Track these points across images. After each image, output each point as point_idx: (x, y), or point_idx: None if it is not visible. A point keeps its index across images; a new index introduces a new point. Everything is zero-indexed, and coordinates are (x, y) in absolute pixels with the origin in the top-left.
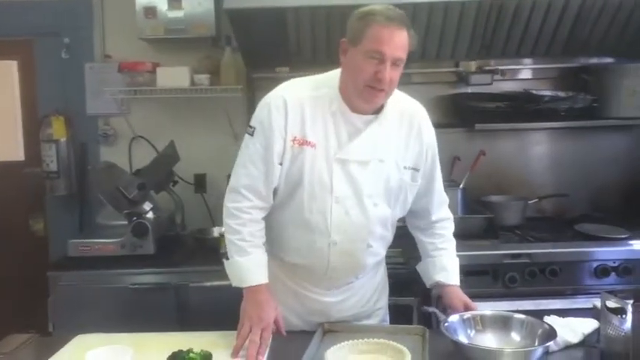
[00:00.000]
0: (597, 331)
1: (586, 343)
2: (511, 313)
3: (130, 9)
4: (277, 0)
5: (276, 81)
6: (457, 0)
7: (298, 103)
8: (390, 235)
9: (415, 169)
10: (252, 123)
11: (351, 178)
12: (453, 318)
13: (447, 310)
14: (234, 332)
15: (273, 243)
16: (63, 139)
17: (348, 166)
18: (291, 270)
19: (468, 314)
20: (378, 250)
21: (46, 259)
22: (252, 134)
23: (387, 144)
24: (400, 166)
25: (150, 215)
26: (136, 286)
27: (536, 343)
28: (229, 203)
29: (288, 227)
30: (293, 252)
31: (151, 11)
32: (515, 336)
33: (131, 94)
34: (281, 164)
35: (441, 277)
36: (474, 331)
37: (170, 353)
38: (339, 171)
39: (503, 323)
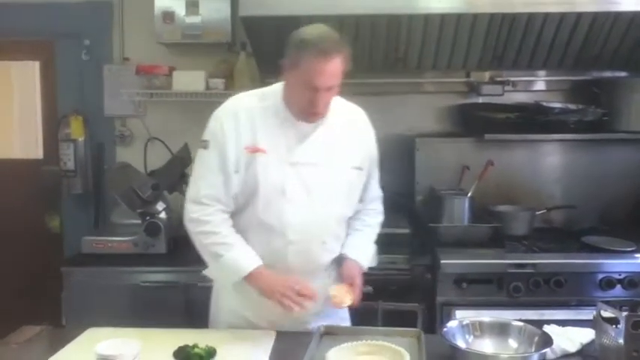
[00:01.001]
0: (594, 341)
1: (583, 352)
2: (509, 320)
3: (149, 13)
4: (290, 9)
5: None
6: (469, 12)
7: (248, 113)
8: (343, 232)
9: (360, 169)
10: (205, 137)
11: (303, 180)
12: (452, 324)
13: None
14: (239, 330)
15: None
16: (81, 139)
17: (299, 169)
18: None
19: (467, 320)
20: (333, 246)
21: (61, 255)
22: (206, 147)
23: (333, 146)
24: (347, 166)
25: (163, 215)
26: (147, 283)
27: (533, 350)
28: (193, 214)
29: (247, 231)
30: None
31: (169, 16)
32: (513, 342)
33: (147, 97)
34: (237, 172)
35: (346, 250)
36: (472, 337)
37: (176, 348)
38: (291, 174)
39: (501, 330)
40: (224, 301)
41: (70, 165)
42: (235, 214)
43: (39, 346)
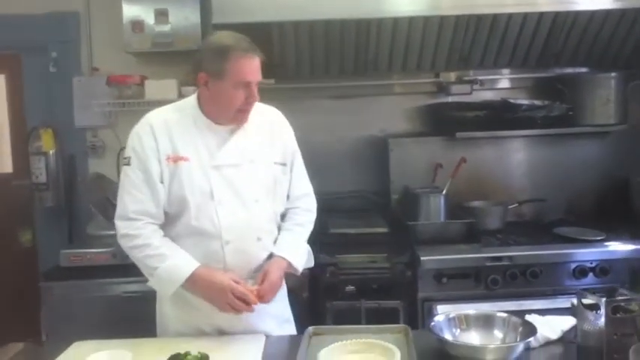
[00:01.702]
0: (575, 327)
1: (564, 339)
2: (494, 312)
3: (117, 23)
4: (263, 15)
5: (262, 92)
6: (436, 15)
7: (164, 125)
8: (275, 228)
9: (283, 164)
10: (127, 154)
11: (228, 181)
12: (439, 318)
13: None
14: (228, 336)
15: None
16: (52, 152)
17: (223, 171)
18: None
19: (453, 314)
20: (267, 243)
21: (35, 270)
22: (128, 163)
23: (253, 146)
24: (270, 162)
25: None
26: (128, 294)
27: (518, 340)
28: (123, 230)
29: (182, 238)
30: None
31: (138, 25)
32: (498, 333)
33: (119, 107)
34: (162, 183)
35: (274, 249)
36: (458, 330)
37: (167, 357)
38: (216, 177)
39: (486, 322)
40: (168, 309)
41: (42, 178)
42: (168, 224)
43: None
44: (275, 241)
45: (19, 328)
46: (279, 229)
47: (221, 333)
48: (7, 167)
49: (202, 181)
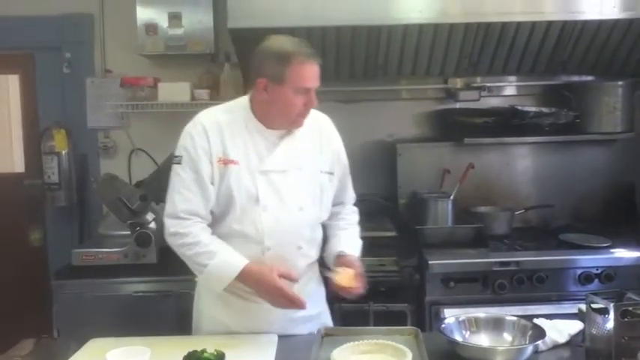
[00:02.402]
0: (582, 331)
1: (572, 342)
2: (503, 315)
3: (131, 25)
4: (276, 21)
5: None
6: (446, 22)
7: (216, 127)
8: (318, 236)
9: (331, 173)
10: (178, 152)
11: (275, 187)
12: (450, 320)
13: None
14: (242, 335)
15: None
16: (64, 152)
17: (270, 177)
18: None
19: (463, 316)
20: (309, 251)
21: (45, 268)
22: (179, 162)
23: (302, 153)
24: (317, 170)
25: (152, 225)
26: (139, 294)
27: (527, 342)
28: (172, 228)
29: (225, 240)
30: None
31: (151, 28)
32: (508, 336)
33: (132, 108)
34: (212, 184)
35: (343, 247)
36: (468, 332)
37: (185, 354)
38: (263, 182)
39: (495, 325)
40: (205, 307)
41: (54, 178)
42: (215, 225)
43: (43, 357)
44: (338, 241)
45: (30, 326)
46: (339, 228)
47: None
48: (20, 167)
49: (249, 185)
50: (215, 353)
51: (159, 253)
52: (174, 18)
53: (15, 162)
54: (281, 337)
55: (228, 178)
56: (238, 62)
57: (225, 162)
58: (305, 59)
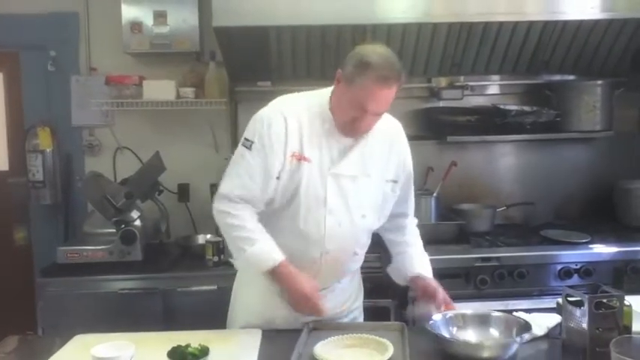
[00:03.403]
0: (559, 324)
1: (550, 335)
2: (489, 311)
3: (116, 24)
4: (261, 19)
5: (258, 94)
6: (429, 22)
7: (297, 120)
8: (369, 242)
9: (395, 182)
10: (250, 136)
11: (343, 192)
12: (437, 317)
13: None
14: (226, 330)
15: None
16: (49, 150)
17: (340, 181)
18: None
19: (450, 313)
20: (361, 257)
21: (30, 267)
22: (249, 147)
23: (372, 159)
24: (383, 179)
25: (137, 223)
26: (125, 291)
27: (513, 337)
28: (223, 207)
29: (284, 235)
30: (286, 258)
31: (136, 26)
32: (494, 331)
33: (117, 106)
34: (278, 178)
35: (420, 269)
36: (455, 328)
37: (169, 349)
38: (332, 185)
39: (482, 321)
40: (242, 298)
41: (39, 176)
42: (272, 217)
43: (27, 355)
44: (412, 262)
45: (14, 323)
46: (410, 244)
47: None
48: (4, 165)
49: (318, 186)
50: (199, 348)
51: (144, 251)
52: (160, 16)
53: (1, 160)
54: (265, 331)
55: (299, 174)
56: (223, 61)
57: (300, 158)
58: (380, 82)
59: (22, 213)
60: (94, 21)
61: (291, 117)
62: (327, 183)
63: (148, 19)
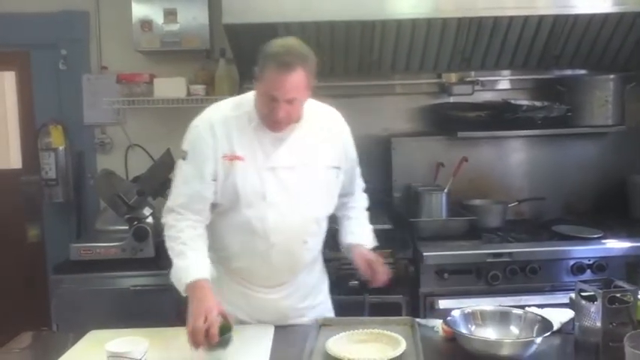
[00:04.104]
0: (572, 319)
1: (563, 330)
2: (509, 309)
3: (127, 22)
4: (270, 16)
5: None
6: (439, 17)
7: (224, 123)
8: (323, 230)
9: (337, 168)
10: (184, 147)
11: (282, 183)
12: (455, 313)
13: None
14: (238, 326)
15: (218, 250)
16: (61, 148)
17: (277, 173)
18: (236, 273)
19: (468, 309)
20: (314, 245)
21: (43, 264)
22: (184, 158)
23: (309, 148)
24: (325, 166)
25: (150, 220)
26: (137, 287)
27: (534, 335)
28: (165, 220)
29: (230, 234)
30: (236, 256)
31: (147, 24)
32: (514, 329)
33: (128, 104)
34: (215, 180)
35: (349, 239)
36: (474, 326)
37: (182, 345)
38: (270, 178)
39: (501, 318)
40: (226, 296)
41: (52, 174)
42: (218, 219)
43: (42, 350)
44: (346, 231)
45: (28, 320)
46: (348, 217)
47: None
48: (17, 163)
49: (256, 181)
50: (222, 324)
51: (156, 247)
52: (170, 14)
53: (12, 158)
54: (277, 327)
55: (234, 174)
56: (233, 58)
57: (231, 158)
58: (280, 68)
59: (35, 210)
60: (104, 19)
61: (218, 122)
62: (263, 177)
63: (158, 17)
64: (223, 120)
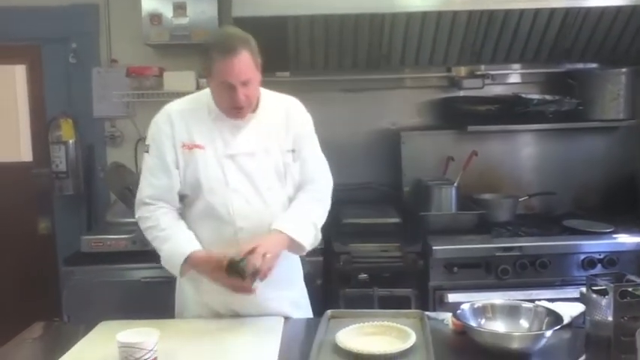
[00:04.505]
0: (583, 313)
1: (573, 324)
2: (519, 302)
3: (136, 16)
4: (280, 9)
5: (277, 85)
6: (449, 9)
7: (181, 115)
8: None
9: (294, 151)
10: (147, 141)
11: (243, 170)
12: (465, 306)
13: None
14: (248, 318)
15: None
16: (71, 141)
17: (237, 160)
18: None
19: (478, 303)
20: None
21: (53, 256)
22: (147, 151)
23: (267, 134)
24: (282, 150)
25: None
26: (147, 279)
27: (544, 328)
28: (138, 213)
29: (198, 222)
30: (205, 244)
31: (156, 18)
32: (524, 323)
33: (138, 98)
34: (178, 169)
35: (273, 224)
36: (484, 319)
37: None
38: (230, 165)
39: (511, 311)
40: (186, 291)
41: (62, 167)
42: (187, 207)
43: (54, 340)
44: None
45: (39, 311)
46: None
47: (235, 316)
48: (27, 156)
49: (217, 169)
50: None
51: None
52: (179, 8)
53: (22, 151)
54: (287, 319)
55: (194, 162)
56: None
57: (190, 147)
58: (224, 54)
59: (46, 203)
60: (114, 13)
61: (176, 113)
62: (224, 165)
63: (167, 11)
64: (180, 112)
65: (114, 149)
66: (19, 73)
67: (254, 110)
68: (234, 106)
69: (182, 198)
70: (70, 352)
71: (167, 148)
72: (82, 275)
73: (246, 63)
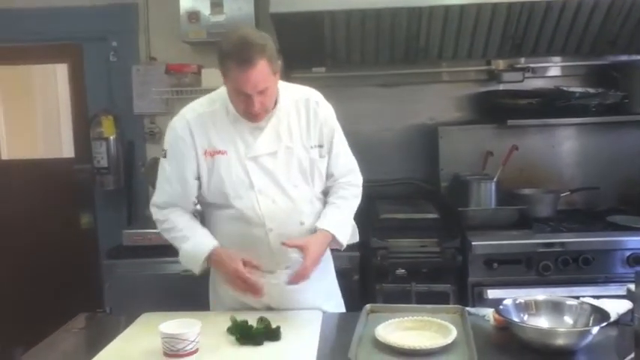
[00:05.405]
0: (631, 311)
1: (620, 322)
2: (563, 298)
3: (174, 13)
4: (316, 4)
5: (313, 80)
6: (489, 2)
7: (200, 120)
8: (319, 210)
9: (320, 146)
10: (165, 146)
11: (267, 170)
12: (507, 302)
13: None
14: (287, 312)
15: (217, 240)
16: (112, 137)
17: (260, 161)
18: None
19: (521, 299)
20: (311, 226)
21: (95, 249)
22: (165, 156)
23: (289, 131)
24: (307, 146)
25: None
26: (188, 273)
27: (590, 325)
28: (154, 216)
29: (227, 226)
30: (236, 246)
31: (194, 15)
32: (568, 319)
33: (176, 95)
34: (198, 179)
35: (318, 222)
36: (527, 315)
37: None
38: (254, 167)
39: (555, 308)
40: (222, 287)
41: (104, 162)
42: (211, 210)
43: (98, 331)
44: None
45: (82, 303)
46: (328, 203)
47: (270, 309)
48: (69, 152)
49: (241, 172)
50: (263, 325)
51: None
52: (216, 5)
53: (65, 148)
54: (325, 313)
55: (217, 169)
56: (280, 47)
57: (212, 154)
58: (240, 66)
59: (88, 198)
60: (152, 11)
61: (195, 119)
62: (247, 167)
63: (204, 9)
64: (199, 117)
65: (153, 145)
66: (60, 71)
67: (273, 107)
68: (249, 113)
69: (208, 205)
70: (114, 342)
71: (187, 159)
72: (124, 268)
73: (263, 73)
